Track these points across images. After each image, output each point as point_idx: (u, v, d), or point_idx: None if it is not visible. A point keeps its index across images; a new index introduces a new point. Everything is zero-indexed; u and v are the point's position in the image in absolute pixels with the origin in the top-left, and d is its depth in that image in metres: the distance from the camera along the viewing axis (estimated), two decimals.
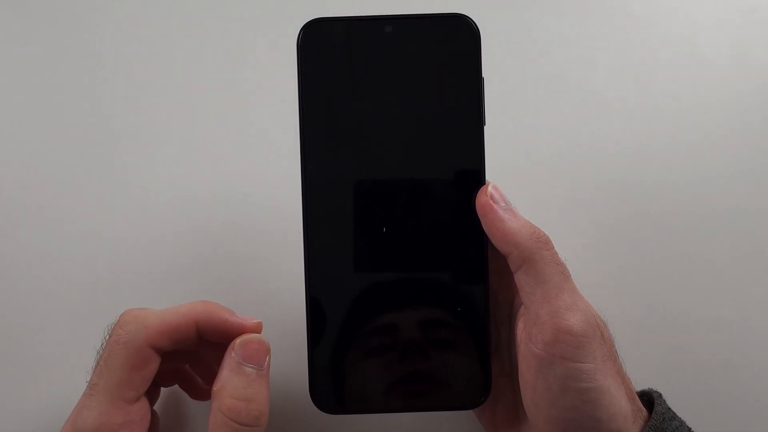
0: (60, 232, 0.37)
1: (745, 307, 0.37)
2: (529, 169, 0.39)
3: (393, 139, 0.28)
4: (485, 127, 0.28)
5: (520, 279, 0.26)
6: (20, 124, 0.38)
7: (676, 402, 0.29)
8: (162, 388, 0.31)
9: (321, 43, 0.27)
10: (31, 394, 0.35)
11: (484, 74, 0.28)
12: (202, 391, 0.32)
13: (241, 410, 0.25)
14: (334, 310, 0.28)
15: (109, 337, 0.26)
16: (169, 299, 0.36)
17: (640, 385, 0.30)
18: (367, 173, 0.28)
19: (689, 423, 0.28)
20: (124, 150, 0.38)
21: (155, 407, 0.30)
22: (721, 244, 0.38)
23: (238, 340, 0.26)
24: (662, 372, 0.36)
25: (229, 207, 0.37)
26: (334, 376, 0.28)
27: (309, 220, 0.28)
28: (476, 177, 0.28)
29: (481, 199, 0.27)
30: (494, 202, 0.27)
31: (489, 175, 0.28)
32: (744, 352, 0.36)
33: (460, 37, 0.28)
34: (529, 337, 0.26)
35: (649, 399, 0.29)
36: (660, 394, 0.29)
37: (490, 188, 0.27)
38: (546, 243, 0.27)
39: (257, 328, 0.27)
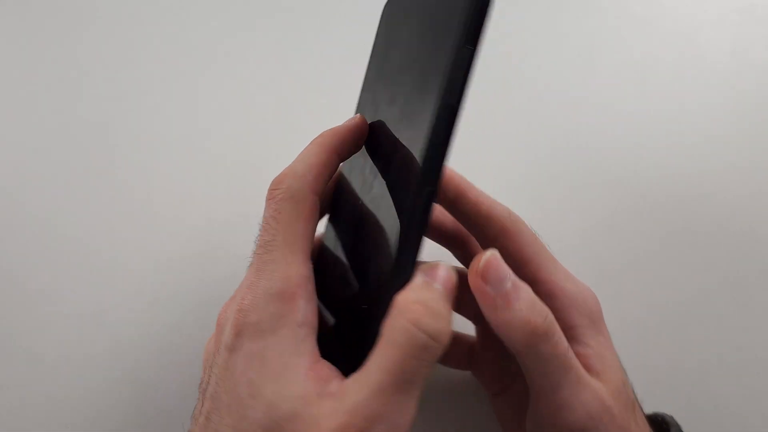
0: (57, 233, 0.37)
1: (745, 307, 0.37)
2: (529, 168, 0.39)
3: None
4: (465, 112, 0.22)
5: (520, 363, 0.25)
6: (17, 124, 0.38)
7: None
8: None
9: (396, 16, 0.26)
10: (31, 393, 0.34)
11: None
12: None
13: (428, 320, 0.21)
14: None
15: (270, 201, 0.24)
16: (168, 298, 0.36)
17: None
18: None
19: (688, 424, 0.28)
20: (123, 152, 0.38)
21: None
22: (721, 244, 0.37)
23: (424, 266, 0.23)
24: (662, 372, 0.36)
25: (230, 207, 0.37)
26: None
27: None
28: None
29: (473, 280, 0.24)
30: (487, 282, 0.23)
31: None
32: (744, 352, 0.36)
33: None
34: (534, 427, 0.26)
35: (660, 428, 0.28)
36: (676, 424, 0.28)
37: (483, 261, 0.23)
38: (545, 335, 0.23)
39: None
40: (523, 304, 0.23)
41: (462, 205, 0.27)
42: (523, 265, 0.27)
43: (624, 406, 0.25)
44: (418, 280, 0.22)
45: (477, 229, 0.27)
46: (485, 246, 0.27)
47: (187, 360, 0.34)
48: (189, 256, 0.36)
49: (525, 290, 0.23)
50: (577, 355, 0.26)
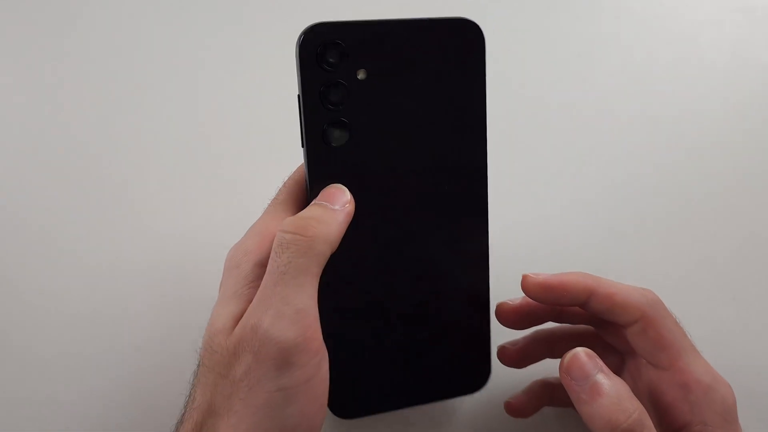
0: (56, 233, 0.36)
1: (745, 307, 0.37)
2: (530, 169, 0.38)
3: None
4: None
5: None
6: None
7: None
8: None
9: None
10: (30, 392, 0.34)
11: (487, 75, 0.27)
12: None
13: (288, 222, 0.24)
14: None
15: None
16: (168, 298, 0.35)
17: None
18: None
19: None
20: (122, 152, 0.38)
21: None
22: (721, 244, 0.38)
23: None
24: None
25: (230, 207, 0.37)
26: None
27: None
28: (479, 176, 0.28)
29: (561, 374, 0.25)
30: (572, 378, 0.24)
31: (492, 175, 0.28)
32: (744, 352, 0.36)
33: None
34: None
35: None
36: None
37: (568, 359, 0.25)
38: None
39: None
40: (606, 400, 0.23)
41: (596, 304, 0.27)
42: (661, 349, 0.26)
43: None
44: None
45: (615, 319, 0.27)
46: (628, 330, 0.27)
47: (186, 360, 0.33)
48: (188, 257, 0.36)
49: (613, 386, 0.24)
50: None
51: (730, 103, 0.40)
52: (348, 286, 0.27)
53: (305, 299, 0.23)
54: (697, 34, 0.41)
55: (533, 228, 0.37)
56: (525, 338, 0.31)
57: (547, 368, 0.34)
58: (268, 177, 0.31)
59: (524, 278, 0.27)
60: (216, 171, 0.38)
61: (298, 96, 0.26)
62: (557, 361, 0.33)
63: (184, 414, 0.24)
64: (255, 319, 0.22)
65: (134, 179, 0.37)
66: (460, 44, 0.26)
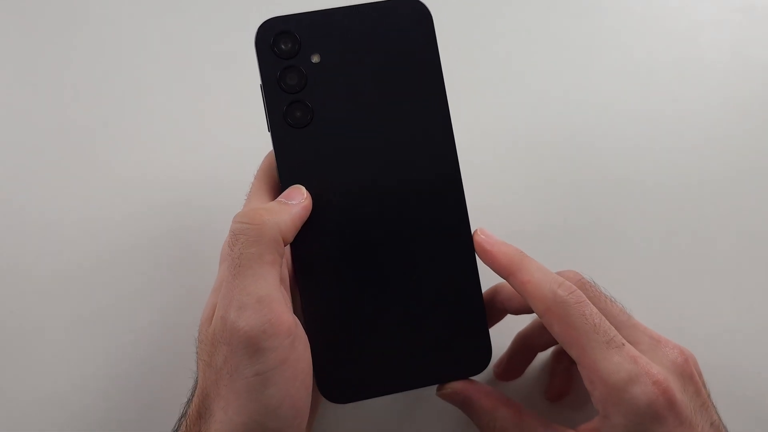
0: (52, 227, 0.37)
1: (745, 307, 0.36)
2: (529, 169, 0.39)
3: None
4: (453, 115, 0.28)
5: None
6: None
7: None
8: None
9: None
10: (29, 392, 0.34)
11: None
12: None
13: (253, 213, 0.25)
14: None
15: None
16: (167, 298, 0.36)
17: None
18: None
19: None
20: (122, 151, 0.38)
21: None
22: (722, 244, 0.37)
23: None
24: None
25: (216, 194, 0.37)
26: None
27: None
28: (447, 147, 0.28)
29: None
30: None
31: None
32: (743, 352, 0.36)
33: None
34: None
35: None
36: None
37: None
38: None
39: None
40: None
41: (514, 286, 0.28)
42: (568, 346, 0.26)
43: None
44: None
45: (531, 307, 0.27)
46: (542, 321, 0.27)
47: (185, 359, 0.34)
48: (188, 257, 0.36)
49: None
50: None
51: (731, 102, 0.40)
52: (330, 269, 0.28)
53: (265, 286, 0.24)
54: (697, 34, 0.41)
55: (530, 231, 0.37)
56: (507, 353, 0.33)
57: (542, 362, 0.35)
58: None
59: (475, 233, 0.28)
60: (215, 172, 0.38)
61: (260, 85, 0.28)
62: (547, 352, 0.34)
63: (190, 397, 0.26)
64: (222, 311, 0.24)
65: (134, 177, 0.38)
66: (408, 23, 0.28)
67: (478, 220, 0.29)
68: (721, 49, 0.41)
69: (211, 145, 0.38)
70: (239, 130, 0.37)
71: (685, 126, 0.39)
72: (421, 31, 0.28)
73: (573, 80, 0.40)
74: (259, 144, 0.31)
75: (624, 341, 0.26)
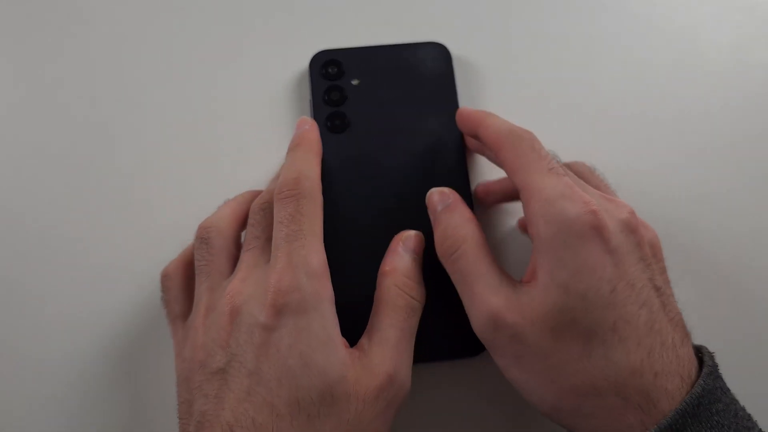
0: (55, 234, 0.37)
1: (745, 307, 0.36)
2: None
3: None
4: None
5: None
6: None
7: None
8: None
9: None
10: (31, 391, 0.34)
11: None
12: None
13: (413, 287, 0.28)
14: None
15: (288, 199, 0.27)
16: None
17: None
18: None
19: None
20: (122, 152, 0.38)
21: None
22: (722, 244, 0.37)
23: (404, 234, 0.30)
24: None
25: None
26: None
27: None
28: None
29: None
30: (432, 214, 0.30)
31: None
32: (744, 352, 0.36)
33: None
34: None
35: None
36: (712, 355, 0.26)
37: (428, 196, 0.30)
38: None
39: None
40: (438, 230, 0.29)
41: (481, 137, 0.30)
42: (513, 173, 0.27)
43: (551, 329, 0.24)
44: (397, 248, 0.29)
45: (488, 148, 0.30)
46: (496, 159, 0.30)
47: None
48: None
49: (447, 218, 0.29)
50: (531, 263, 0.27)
51: (731, 103, 0.40)
52: (339, 254, 0.31)
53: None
54: (697, 34, 0.41)
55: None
56: (496, 180, 0.36)
57: None
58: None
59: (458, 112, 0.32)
60: (215, 171, 0.38)
61: (309, 99, 0.36)
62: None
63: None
64: (391, 376, 0.26)
65: (135, 178, 0.38)
66: (432, 60, 0.36)
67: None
68: (721, 49, 0.41)
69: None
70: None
71: (685, 126, 0.39)
72: (442, 66, 0.36)
73: (573, 81, 0.40)
74: None
75: (567, 173, 0.27)
